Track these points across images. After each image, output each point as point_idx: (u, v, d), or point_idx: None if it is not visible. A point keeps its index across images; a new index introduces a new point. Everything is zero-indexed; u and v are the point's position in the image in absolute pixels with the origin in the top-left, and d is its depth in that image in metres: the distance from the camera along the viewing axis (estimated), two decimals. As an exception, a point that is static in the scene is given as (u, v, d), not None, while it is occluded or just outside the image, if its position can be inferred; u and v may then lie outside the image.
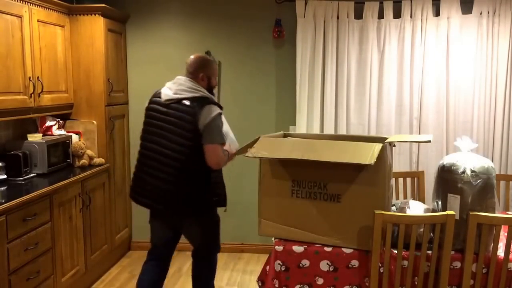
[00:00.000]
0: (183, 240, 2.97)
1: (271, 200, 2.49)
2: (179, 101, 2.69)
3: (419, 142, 3.79)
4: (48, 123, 3.72)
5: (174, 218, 2.87)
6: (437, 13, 4.03)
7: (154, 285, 2.94)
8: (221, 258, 3.79)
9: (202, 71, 2.80)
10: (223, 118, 2.79)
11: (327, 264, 2.36)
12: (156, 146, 2.71)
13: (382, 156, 2.24)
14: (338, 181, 2.36)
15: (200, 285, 3.07)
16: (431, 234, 2.28)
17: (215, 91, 2.94)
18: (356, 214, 2.34)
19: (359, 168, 2.28)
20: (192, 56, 2.87)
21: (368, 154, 2.19)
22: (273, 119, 4.35)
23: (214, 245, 3.03)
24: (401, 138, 3.35)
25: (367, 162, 2.15)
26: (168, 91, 2.75)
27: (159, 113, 2.74)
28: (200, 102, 2.66)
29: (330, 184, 2.37)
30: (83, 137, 3.91)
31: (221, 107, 2.76)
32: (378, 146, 2.23)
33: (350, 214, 2.35)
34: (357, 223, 2.33)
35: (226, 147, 2.79)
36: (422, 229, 2.28)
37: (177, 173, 2.66)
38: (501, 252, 2.27)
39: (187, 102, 2.67)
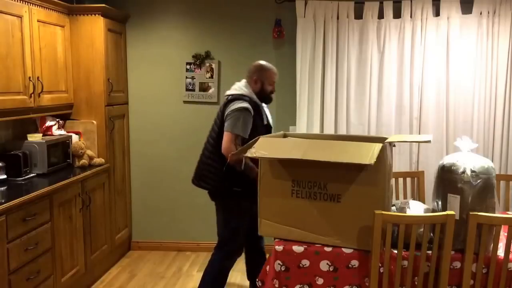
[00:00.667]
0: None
1: (271, 200, 2.49)
2: (227, 97, 3.05)
3: (419, 142, 3.79)
4: (48, 123, 3.72)
5: (210, 196, 3.15)
6: (437, 13, 4.03)
7: (250, 273, 3.44)
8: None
9: (256, 74, 3.08)
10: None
11: (327, 264, 2.36)
12: (208, 135, 3.12)
13: (382, 156, 2.24)
14: (338, 181, 2.36)
15: (204, 274, 3.14)
16: (431, 234, 2.27)
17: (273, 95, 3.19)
18: (356, 214, 2.33)
19: (359, 168, 2.28)
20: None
21: (368, 154, 2.19)
22: (273, 119, 4.33)
23: (232, 241, 3.08)
24: (401, 138, 3.35)
25: (367, 162, 2.15)
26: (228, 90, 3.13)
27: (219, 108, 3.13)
28: (234, 97, 2.97)
29: (330, 184, 2.37)
30: (83, 137, 3.91)
31: (257, 106, 2.99)
32: (378, 146, 2.22)
33: (350, 214, 2.35)
34: (357, 223, 2.33)
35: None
36: (422, 229, 2.27)
37: (211, 156, 3.01)
38: (501, 252, 2.27)
39: (227, 98, 3.02)
